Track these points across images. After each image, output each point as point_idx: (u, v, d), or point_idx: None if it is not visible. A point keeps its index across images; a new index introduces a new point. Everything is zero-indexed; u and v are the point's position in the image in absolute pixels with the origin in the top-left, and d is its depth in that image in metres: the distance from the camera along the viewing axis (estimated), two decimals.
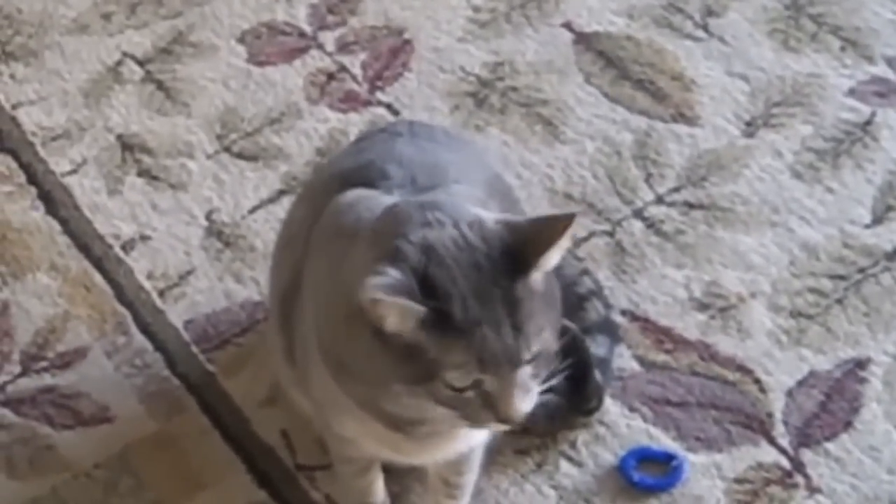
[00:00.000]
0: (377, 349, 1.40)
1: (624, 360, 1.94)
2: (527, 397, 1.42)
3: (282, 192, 2.15)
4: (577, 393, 1.85)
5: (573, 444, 1.87)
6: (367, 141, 1.75)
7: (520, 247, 1.39)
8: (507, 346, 1.38)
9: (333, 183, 1.62)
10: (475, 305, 1.37)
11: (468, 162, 1.67)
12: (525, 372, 1.41)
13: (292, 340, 1.65)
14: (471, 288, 1.37)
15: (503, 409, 1.41)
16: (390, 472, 1.78)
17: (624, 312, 1.99)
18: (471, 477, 1.75)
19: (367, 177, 1.58)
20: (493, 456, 1.81)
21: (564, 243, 1.40)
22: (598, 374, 1.85)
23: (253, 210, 2.14)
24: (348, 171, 1.63)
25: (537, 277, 1.40)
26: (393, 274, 1.36)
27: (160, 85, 2.31)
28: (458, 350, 1.37)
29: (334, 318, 1.47)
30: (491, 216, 1.43)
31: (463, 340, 1.37)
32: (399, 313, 1.36)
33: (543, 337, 1.41)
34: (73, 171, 2.21)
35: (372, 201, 1.52)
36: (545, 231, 1.39)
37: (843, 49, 2.29)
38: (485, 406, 1.41)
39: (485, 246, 1.39)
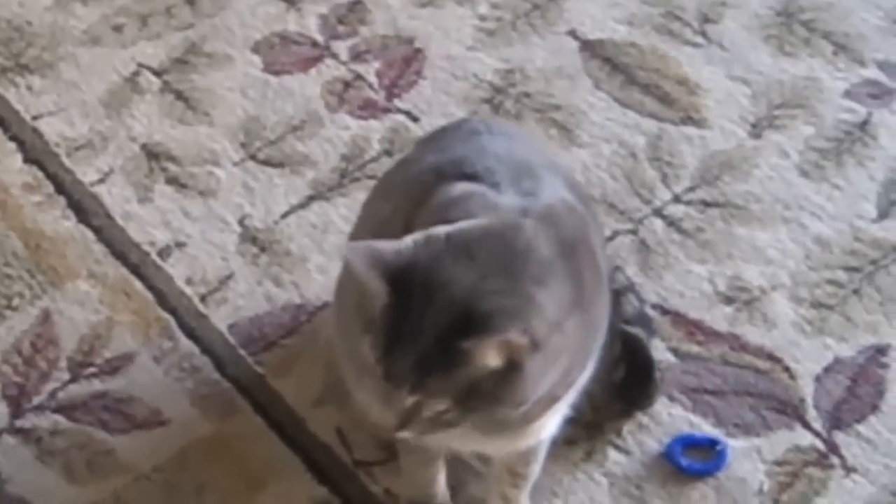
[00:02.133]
0: (356, 299, 1.49)
1: (659, 352, 2.01)
2: (404, 422, 1.46)
3: (311, 198, 2.20)
4: (639, 391, 1.94)
5: (619, 433, 1.94)
6: (444, 140, 1.77)
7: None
8: (394, 371, 1.43)
9: (428, 176, 1.64)
10: (413, 322, 1.41)
11: (549, 164, 1.72)
12: (410, 403, 1.44)
13: None
14: (423, 310, 1.42)
15: (375, 410, 1.48)
16: (449, 466, 1.83)
17: (654, 307, 2.07)
18: (536, 467, 1.80)
19: (467, 171, 1.61)
20: None
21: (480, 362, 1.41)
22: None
23: (285, 215, 2.18)
24: (443, 164, 1.65)
25: (480, 362, 1.41)
26: (390, 247, 1.43)
27: (179, 95, 2.35)
28: (376, 335, 1.44)
29: None
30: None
31: (383, 336, 1.43)
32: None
33: (435, 401, 1.44)
34: (101, 181, 2.23)
35: (484, 199, 1.56)
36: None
37: (835, 53, 2.39)
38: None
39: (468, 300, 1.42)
